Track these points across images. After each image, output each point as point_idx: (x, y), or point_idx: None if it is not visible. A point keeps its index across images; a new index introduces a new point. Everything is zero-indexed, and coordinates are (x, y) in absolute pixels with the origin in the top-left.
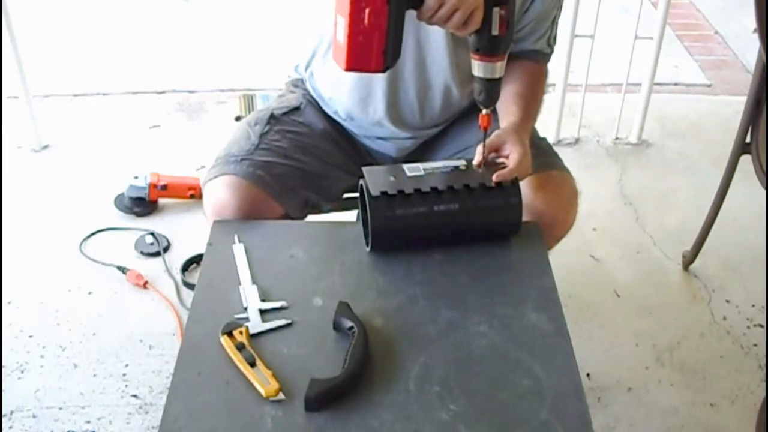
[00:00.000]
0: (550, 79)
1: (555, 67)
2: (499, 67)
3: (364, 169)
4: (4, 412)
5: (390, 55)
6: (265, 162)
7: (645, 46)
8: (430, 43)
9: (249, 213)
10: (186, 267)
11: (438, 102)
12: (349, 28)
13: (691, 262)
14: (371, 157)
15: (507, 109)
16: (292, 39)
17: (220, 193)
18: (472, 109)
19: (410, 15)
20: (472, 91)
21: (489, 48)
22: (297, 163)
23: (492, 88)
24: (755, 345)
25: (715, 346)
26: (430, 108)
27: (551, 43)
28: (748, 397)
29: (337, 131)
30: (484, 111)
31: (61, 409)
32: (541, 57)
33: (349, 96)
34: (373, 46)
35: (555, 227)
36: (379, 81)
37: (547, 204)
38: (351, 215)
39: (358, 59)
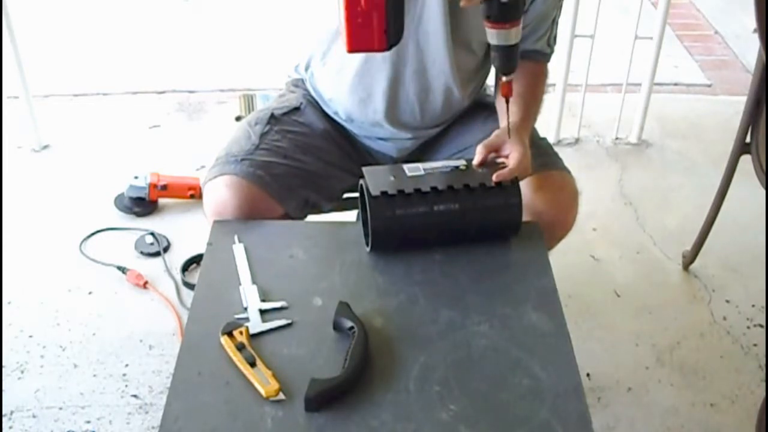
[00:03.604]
0: (550, 79)
1: (555, 67)
2: (513, 33)
3: (364, 169)
4: (4, 412)
5: (392, 33)
6: (266, 162)
7: (645, 46)
8: (430, 45)
9: (249, 213)
10: (186, 267)
11: (439, 103)
12: (346, 11)
13: (691, 262)
14: (371, 157)
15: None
16: (293, 39)
17: (221, 193)
18: (472, 109)
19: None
20: (474, 89)
21: (500, 15)
22: (297, 163)
23: (508, 54)
24: (755, 345)
25: (715, 346)
26: (430, 109)
27: (551, 43)
28: (748, 397)
29: (337, 131)
30: (504, 78)
31: (61, 409)
32: (541, 57)
33: (349, 97)
34: (373, 26)
35: (555, 227)
36: (379, 82)
37: (547, 204)
38: (351, 215)
39: (359, 40)
